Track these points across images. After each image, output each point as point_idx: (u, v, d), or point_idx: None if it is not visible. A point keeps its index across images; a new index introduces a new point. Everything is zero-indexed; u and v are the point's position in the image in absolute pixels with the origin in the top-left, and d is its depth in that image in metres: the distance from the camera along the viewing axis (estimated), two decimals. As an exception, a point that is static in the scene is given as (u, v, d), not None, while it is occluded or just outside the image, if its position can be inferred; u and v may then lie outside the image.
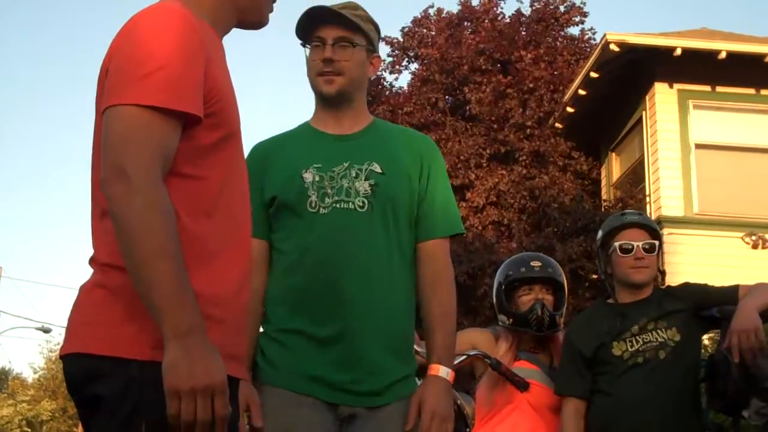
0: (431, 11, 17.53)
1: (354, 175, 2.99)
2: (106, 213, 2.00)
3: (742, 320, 3.49)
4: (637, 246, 3.82)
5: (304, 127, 3.17)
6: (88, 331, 2.03)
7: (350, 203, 2.95)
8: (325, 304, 2.89)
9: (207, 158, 2.12)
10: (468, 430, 4.05)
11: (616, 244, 3.86)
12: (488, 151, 14.53)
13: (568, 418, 3.75)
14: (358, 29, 3.07)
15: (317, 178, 2.96)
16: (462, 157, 14.49)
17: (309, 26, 3.08)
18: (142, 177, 1.92)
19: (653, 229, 3.92)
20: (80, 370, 2.02)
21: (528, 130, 14.62)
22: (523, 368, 3.90)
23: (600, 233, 4.00)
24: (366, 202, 2.97)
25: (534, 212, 13.28)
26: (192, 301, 1.92)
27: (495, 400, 3.94)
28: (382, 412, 2.90)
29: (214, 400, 1.89)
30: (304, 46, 3.12)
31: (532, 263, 4.05)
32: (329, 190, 2.95)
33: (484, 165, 14.49)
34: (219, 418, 1.91)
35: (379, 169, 3.02)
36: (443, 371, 2.94)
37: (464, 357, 3.82)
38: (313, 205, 2.94)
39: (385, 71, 16.96)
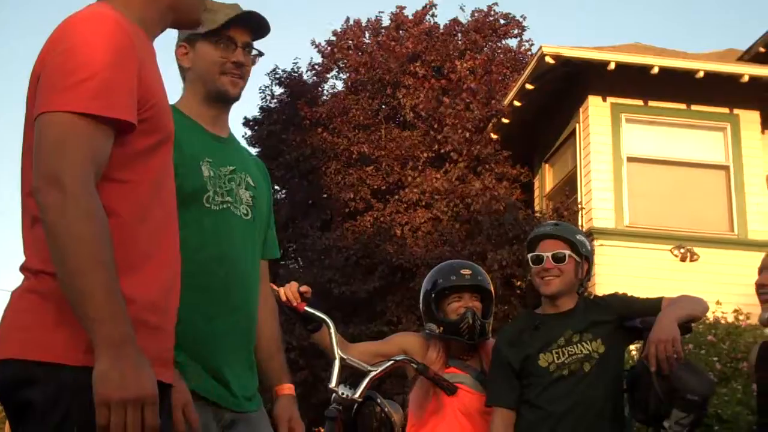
0: (352, 20, 17.51)
1: (238, 182, 3.02)
2: (37, 220, 1.99)
3: (660, 330, 3.56)
4: (546, 257, 3.86)
5: (176, 114, 2.81)
6: (20, 337, 2.01)
7: (237, 209, 2.99)
8: (216, 300, 2.87)
9: (140, 163, 2.11)
10: (394, 438, 4.05)
11: (529, 256, 3.94)
12: (425, 155, 14.56)
13: (497, 428, 3.77)
14: (261, 38, 3.12)
15: (212, 174, 2.94)
16: (397, 154, 14.50)
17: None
18: (77, 185, 1.91)
19: (567, 239, 3.93)
20: (11, 375, 2.00)
21: (467, 133, 14.68)
22: (453, 374, 3.92)
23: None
24: (249, 211, 3.03)
25: (466, 220, 13.33)
26: (124, 312, 1.91)
27: (426, 405, 3.96)
28: (254, 416, 2.99)
29: (144, 411, 1.89)
30: (209, 40, 3.02)
31: (462, 271, 4.08)
32: (219, 189, 2.95)
33: (420, 168, 14.53)
34: (149, 429, 1.90)
35: (252, 182, 3.08)
36: (292, 388, 3.25)
37: (390, 362, 3.82)
38: (208, 200, 2.92)
39: (315, 77, 16.94)
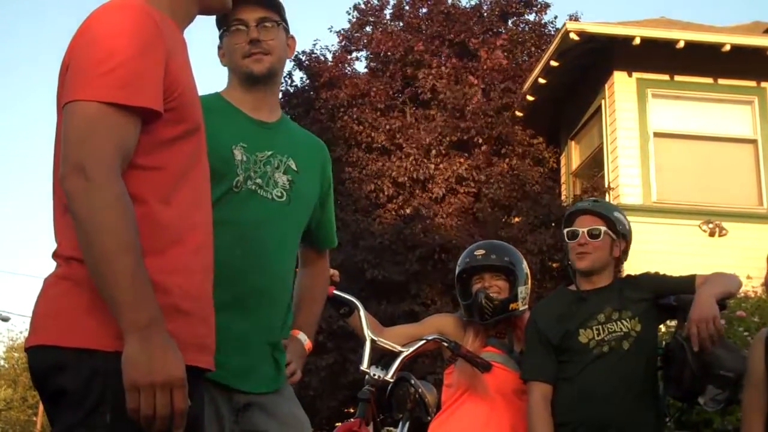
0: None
1: (276, 165, 3.01)
2: (68, 208, 2.01)
3: (700, 309, 3.52)
4: (582, 232, 3.86)
5: (219, 100, 3.06)
6: (52, 323, 2.04)
7: (269, 193, 2.97)
8: (230, 283, 2.77)
9: (165, 151, 2.13)
10: (429, 418, 4.07)
11: (565, 231, 3.93)
12: (448, 139, 14.49)
13: (537, 404, 3.73)
14: (276, 8, 3.08)
15: (245, 159, 2.94)
16: (423, 144, 14.42)
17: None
18: (102, 173, 1.93)
19: (604, 216, 3.92)
20: (45, 362, 2.03)
21: (489, 119, 14.59)
22: (489, 353, 3.91)
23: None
24: (284, 194, 3.00)
25: (506, 205, 13.22)
26: (151, 295, 1.93)
27: (460, 384, 3.96)
28: (272, 398, 2.95)
29: (173, 394, 1.91)
30: (227, 31, 3.07)
31: (475, 252, 4.06)
32: (252, 174, 2.94)
33: (444, 152, 14.47)
34: (177, 412, 1.93)
35: (294, 167, 3.06)
36: (306, 339, 3.29)
37: (422, 342, 3.83)
38: (238, 185, 2.91)
39: (338, 62, 16.87)
